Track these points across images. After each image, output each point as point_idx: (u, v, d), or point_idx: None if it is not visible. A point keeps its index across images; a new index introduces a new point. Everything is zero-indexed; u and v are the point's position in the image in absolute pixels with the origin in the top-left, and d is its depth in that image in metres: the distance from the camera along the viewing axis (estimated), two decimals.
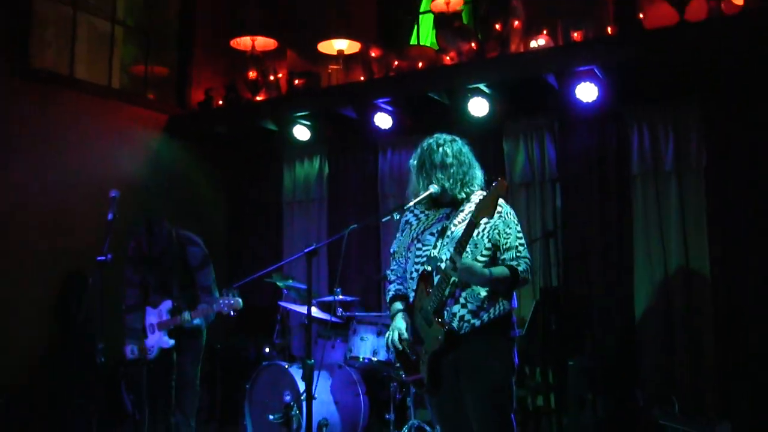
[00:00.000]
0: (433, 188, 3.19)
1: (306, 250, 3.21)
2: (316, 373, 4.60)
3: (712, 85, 5.21)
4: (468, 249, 2.99)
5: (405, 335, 3.16)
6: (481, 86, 5.51)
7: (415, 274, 3.17)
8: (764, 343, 4.86)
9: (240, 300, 4.43)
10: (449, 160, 3.18)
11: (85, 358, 5.30)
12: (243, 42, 6.79)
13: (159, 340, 4.57)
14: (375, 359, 4.89)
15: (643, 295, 5.43)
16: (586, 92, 5.21)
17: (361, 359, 4.92)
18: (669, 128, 5.38)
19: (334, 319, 5.21)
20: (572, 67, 5.12)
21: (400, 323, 3.21)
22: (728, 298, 5.08)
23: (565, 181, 5.82)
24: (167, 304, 4.57)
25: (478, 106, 5.61)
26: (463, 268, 2.91)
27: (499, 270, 3.02)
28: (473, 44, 5.69)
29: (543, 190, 5.87)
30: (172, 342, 4.54)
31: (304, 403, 3.40)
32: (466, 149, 3.27)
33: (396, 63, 6.09)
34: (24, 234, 5.57)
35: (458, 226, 3.09)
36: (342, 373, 5.09)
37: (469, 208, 3.14)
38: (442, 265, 3.00)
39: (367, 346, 4.92)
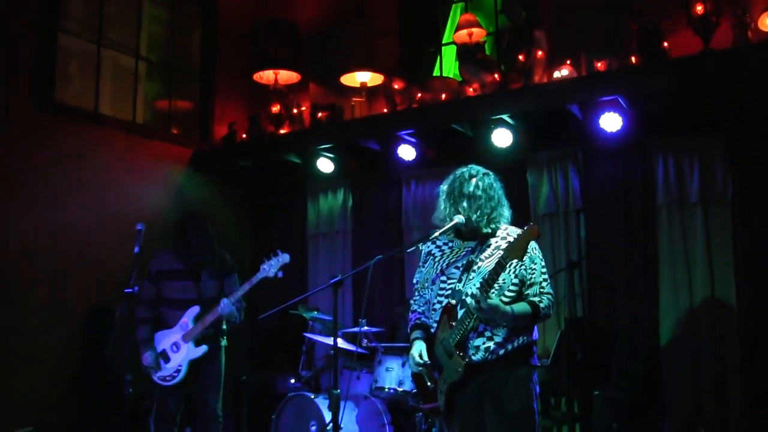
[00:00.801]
0: (459, 218, 3.28)
1: (332, 281, 3.28)
2: (342, 403, 4.71)
3: (737, 115, 5.27)
4: (495, 287, 3.07)
5: (425, 356, 3.23)
6: (505, 117, 5.58)
7: (438, 306, 3.24)
8: None
9: (286, 255, 4.65)
10: (479, 192, 3.26)
11: (113, 391, 5.42)
12: (266, 76, 6.98)
13: (187, 353, 4.67)
14: (400, 389, 4.93)
15: (668, 326, 5.45)
16: (610, 122, 5.26)
17: (386, 389, 4.97)
18: (694, 159, 5.44)
19: (359, 349, 5.28)
20: (596, 97, 5.18)
21: (419, 345, 3.29)
22: (755, 328, 5.09)
23: (589, 211, 5.87)
24: (193, 311, 4.70)
25: (502, 137, 5.69)
26: (487, 308, 2.97)
27: (521, 307, 3.10)
28: (496, 75, 5.80)
29: (567, 221, 5.92)
30: (203, 347, 4.68)
31: None
32: (497, 185, 3.34)
33: (419, 95, 6.21)
34: (49, 268, 5.67)
35: (485, 261, 3.16)
36: (367, 403, 5.13)
37: (495, 243, 3.21)
38: (468, 300, 3.07)
39: (393, 377, 4.97)
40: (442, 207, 3.37)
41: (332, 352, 5.13)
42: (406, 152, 6.22)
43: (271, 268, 4.68)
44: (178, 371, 4.69)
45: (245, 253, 7.54)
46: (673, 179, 5.50)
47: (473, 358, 3.09)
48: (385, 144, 6.33)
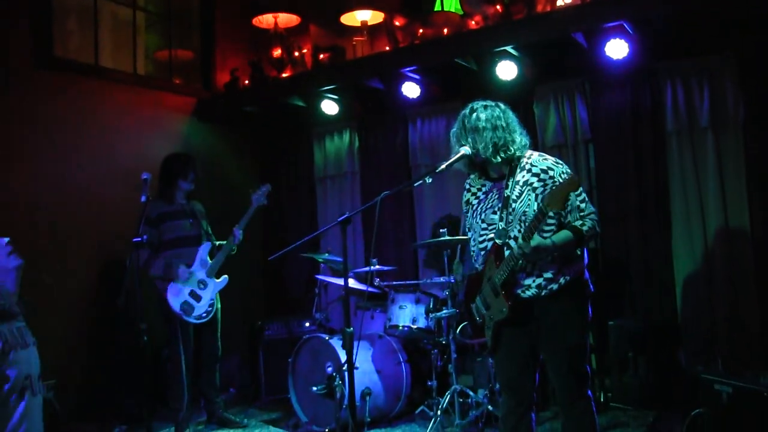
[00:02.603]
0: (465, 149, 3.31)
1: (339, 219, 3.26)
2: (356, 342, 4.75)
3: (747, 36, 5.12)
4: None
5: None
6: (509, 49, 5.47)
7: (483, 250, 3.32)
8: None
9: (267, 184, 5.39)
10: (481, 124, 3.27)
11: (129, 340, 5.50)
12: (265, 20, 6.84)
13: (214, 287, 5.18)
14: (414, 327, 4.97)
15: (682, 254, 5.41)
16: (616, 49, 5.15)
17: (400, 327, 5.01)
18: (704, 82, 5.30)
19: (371, 289, 5.31)
20: (600, 23, 5.04)
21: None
22: (766, 255, 5.05)
23: (598, 141, 5.79)
24: (206, 247, 5.23)
25: (507, 70, 5.60)
26: (531, 252, 3.01)
27: (564, 235, 3.11)
28: (498, 7, 5.64)
29: (576, 152, 5.84)
30: (225, 278, 5.27)
31: (346, 373, 3.51)
32: (502, 114, 3.33)
33: (421, 31, 6.07)
34: (56, 224, 5.68)
35: (519, 199, 3.19)
36: (382, 342, 5.17)
37: (523, 178, 3.23)
38: (512, 243, 3.11)
39: (407, 315, 5.00)
40: (454, 149, 3.39)
41: (344, 292, 5.23)
42: (411, 90, 6.14)
43: (260, 197, 5.31)
44: (211, 305, 5.11)
45: None
46: (682, 104, 5.38)
47: (523, 295, 3.19)
48: (388, 82, 6.25)
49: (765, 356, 4.94)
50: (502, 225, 3.23)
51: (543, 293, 3.18)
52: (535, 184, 3.19)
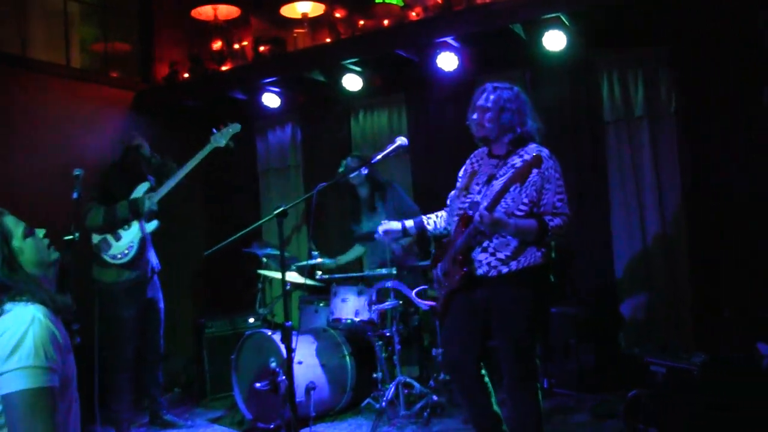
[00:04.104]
0: (401, 140, 3.54)
1: (275, 212, 3.25)
2: (299, 336, 4.73)
3: (680, 28, 5.26)
4: (508, 202, 3.16)
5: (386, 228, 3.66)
6: (449, 40, 5.50)
7: (456, 218, 3.38)
8: (735, 277, 5.03)
9: (237, 124, 4.88)
10: (490, 104, 3.36)
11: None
12: (205, 12, 6.74)
13: (138, 229, 4.81)
14: (357, 320, 4.95)
15: (621, 241, 5.55)
16: (554, 41, 5.22)
17: (343, 320, 4.99)
18: (639, 74, 5.44)
19: (313, 282, 5.30)
20: (537, 15, 5.12)
21: (394, 223, 3.70)
22: (703, 239, 5.23)
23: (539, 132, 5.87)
24: (143, 186, 4.92)
25: (447, 61, 5.62)
26: (489, 222, 3.08)
27: (527, 222, 3.19)
28: None
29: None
30: (155, 222, 4.88)
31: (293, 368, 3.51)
32: (515, 97, 3.41)
33: (362, 23, 6.06)
34: None
35: (500, 179, 3.25)
36: (326, 336, 5.15)
37: (512, 162, 3.32)
38: (476, 216, 3.15)
39: (349, 308, 4.98)
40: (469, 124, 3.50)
41: (288, 286, 5.20)
42: (352, 82, 6.13)
43: (221, 137, 4.91)
44: (130, 248, 4.78)
45: (197, 194, 7.46)
46: (618, 94, 5.51)
47: (479, 270, 3.24)
48: (330, 74, 6.22)
49: (698, 337, 5.09)
50: (478, 198, 3.29)
51: (491, 273, 3.23)
52: (518, 165, 3.22)
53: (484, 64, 5.97)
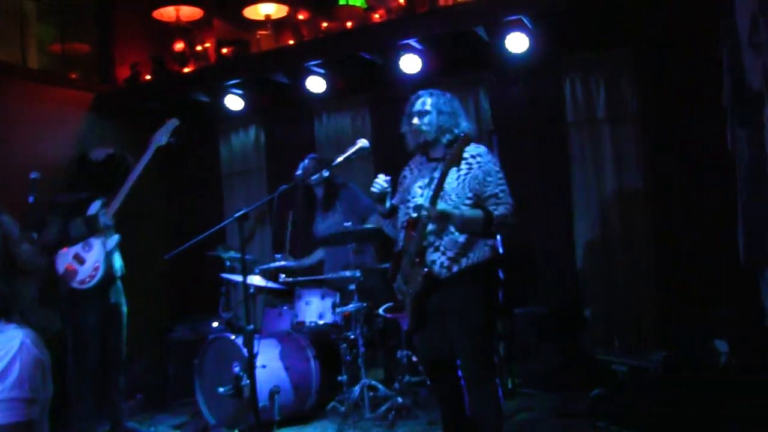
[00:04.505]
0: (362, 142, 3.60)
1: (235, 215, 3.22)
2: (262, 340, 4.68)
3: (641, 31, 5.34)
4: (453, 198, 3.24)
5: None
6: (412, 42, 5.51)
7: (404, 224, 3.42)
8: (692, 279, 5.13)
9: (175, 119, 4.79)
10: (427, 108, 3.45)
11: None
12: (166, 13, 6.64)
13: (101, 247, 4.64)
14: (321, 322, 4.93)
15: (583, 241, 5.61)
16: (516, 43, 5.27)
17: (307, 323, 4.96)
18: (600, 76, 5.52)
19: (276, 285, 5.25)
20: (500, 17, 5.16)
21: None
22: (664, 239, 5.31)
23: (501, 133, 5.88)
24: (96, 204, 4.72)
25: (411, 63, 5.63)
26: (436, 216, 3.13)
27: (472, 212, 3.23)
28: (402, 0, 5.69)
29: (480, 143, 5.90)
30: (115, 237, 4.71)
31: (254, 372, 3.50)
32: (449, 101, 3.52)
33: (325, 24, 6.05)
34: None
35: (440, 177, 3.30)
36: (290, 339, 5.10)
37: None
38: (422, 213, 3.20)
39: (313, 311, 4.96)
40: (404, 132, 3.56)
41: (251, 291, 5.15)
42: (316, 84, 6.11)
43: (161, 136, 4.82)
44: (96, 269, 4.63)
45: (160, 196, 7.37)
46: (580, 97, 5.58)
47: (433, 269, 3.28)
48: (293, 77, 6.21)
49: (659, 337, 5.15)
50: (421, 201, 3.33)
51: (444, 273, 3.27)
52: (461, 167, 3.31)
53: (448, 66, 6.00)
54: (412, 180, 3.53)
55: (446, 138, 3.43)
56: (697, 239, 5.09)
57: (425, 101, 3.49)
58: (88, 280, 4.65)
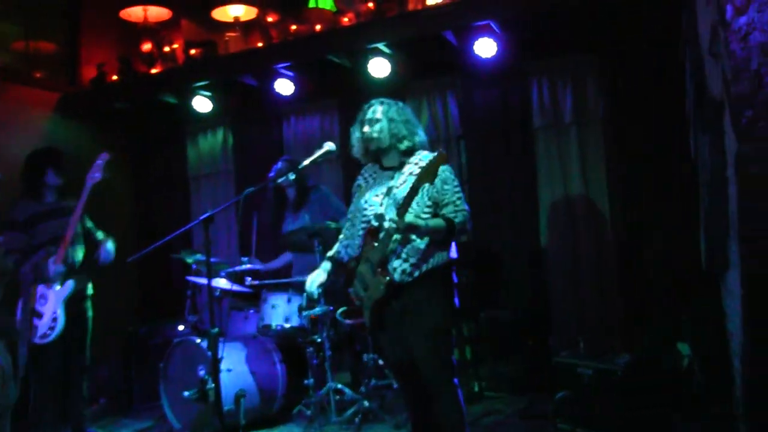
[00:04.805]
0: (329, 146, 3.63)
1: (201, 218, 3.20)
2: (228, 344, 4.64)
3: (606, 38, 5.38)
4: (413, 207, 3.25)
5: (315, 285, 3.61)
6: (381, 46, 5.50)
7: (361, 232, 3.45)
8: (656, 283, 5.17)
9: (104, 153, 4.69)
10: (378, 116, 3.49)
11: None
12: (134, 13, 6.54)
13: (57, 298, 4.50)
14: (288, 326, 4.89)
15: (550, 245, 5.64)
16: (485, 48, 5.27)
17: (273, 327, 4.92)
18: (567, 81, 5.56)
19: (242, 289, 5.21)
20: (469, 22, 5.16)
21: (317, 273, 3.65)
22: (628, 241, 5.35)
23: (469, 137, 5.97)
24: (41, 254, 4.57)
25: (379, 67, 5.61)
26: (404, 227, 3.17)
27: (436, 222, 3.30)
28: (371, 4, 5.67)
29: (448, 148, 5.95)
30: (68, 284, 4.56)
31: (219, 375, 3.46)
32: (402, 110, 3.56)
33: (294, 27, 6.01)
34: None
35: (400, 187, 3.37)
36: (256, 342, 5.07)
37: (409, 169, 3.43)
38: (386, 224, 3.28)
39: (279, 314, 4.91)
40: (354, 141, 3.62)
41: (216, 294, 5.11)
42: (284, 87, 6.07)
43: (95, 173, 4.67)
44: (54, 320, 4.49)
45: (127, 198, 7.28)
46: (547, 101, 5.62)
47: (395, 276, 3.31)
48: (262, 79, 6.16)
49: (625, 340, 5.20)
50: (381, 210, 3.37)
51: (406, 279, 3.31)
52: (416, 172, 3.33)
53: (417, 71, 6.02)
54: (366, 188, 3.56)
55: (402, 146, 3.47)
56: (662, 243, 5.14)
57: (376, 109, 3.53)
58: (48, 332, 4.49)
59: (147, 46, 6.66)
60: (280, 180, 3.42)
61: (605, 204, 5.48)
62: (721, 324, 3.40)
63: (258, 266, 5.49)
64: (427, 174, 3.17)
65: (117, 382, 6.15)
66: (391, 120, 3.47)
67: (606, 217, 5.47)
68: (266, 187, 3.39)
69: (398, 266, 3.32)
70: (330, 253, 3.72)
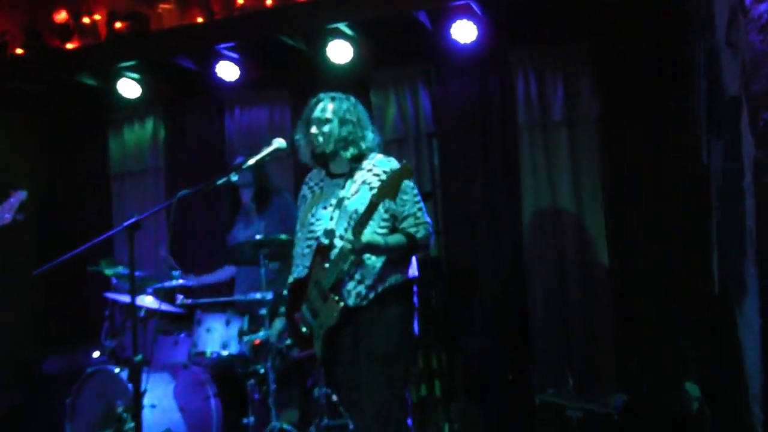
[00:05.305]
0: (279, 143, 3.63)
1: (125, 224, 3.10)
2: (154, 375, 4.52)
3: (603, 24, 5.42)
4: (369, 222, 3.26)
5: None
6: (342, 27, 5.46)
7: (308, 250, 3.50)
8: (658, 309, 5.18)
9: (21, 192, 4.50)
10: (327, 115, 3.50)
11: None
12: None
13: None
14: (225, 353, 4.80)
15: (534, 261, 5.65)
16: (463, 32, 5.28)
17: (208, 355, 4.82)
18: (558, 74, 5.58)
19: (172, 308, 5.12)
20: (445, 1, 5.16)
21: (278, 324, 3.85)
22: (623, 256, 5.40)
23: (443, 135, 5.97)
24: None
25: (340, 52, 5.58)
26: (361, 248, 3.20)
27: (396, 239, 3.35)
28: None
29: (418, 146, 5.97)
30: None
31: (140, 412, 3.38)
32: (353, 108, 3.58)
33: (240, 1, 5.94)
34: None
35: (353, 197, 3.41)
36: (187, 373, 5.01)
37: (362, 177, 3.47)
38: (338, 242, 3.32)
39: (216, 339, 4.81)
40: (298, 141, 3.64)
41: (142, 313, 4.98)
42: (227, 71, 6.00)
43: (7, 212, 4.50)
44: None
45: (32, 200, 7.04)
46: (534, 96, 5.63)
47: (350, 301, 3.34)
48: (201, 61, 6.09)
49: (621, 375, 5.20)
50: (332, 225, 3.40)
51: (363, 302, 3.33)
52: (374, 184, 3.36)
53: (384, 57, 6.01)
54: (313, 200, 3.58)
55: (350, 152, 3.49)
56: (664, 263, 5.17)
57: (326, 107, 3.53)
58: None
59: (61, 16, 6.53)
60: (220, 182, 3.32)
61: (599, 216, 5.48)
62: (738, 360, 3.38)
63: (192, 282, 5.37)
64: (389, 189, 3.16)
65: (18, 419, 5.99)
66: (342, 121, 3.49)
67: (599, 232, 5.48)
68: (214, 187, 3.29)
69: (352, 289, 3.34)
70: (290, 281, 3.68)
